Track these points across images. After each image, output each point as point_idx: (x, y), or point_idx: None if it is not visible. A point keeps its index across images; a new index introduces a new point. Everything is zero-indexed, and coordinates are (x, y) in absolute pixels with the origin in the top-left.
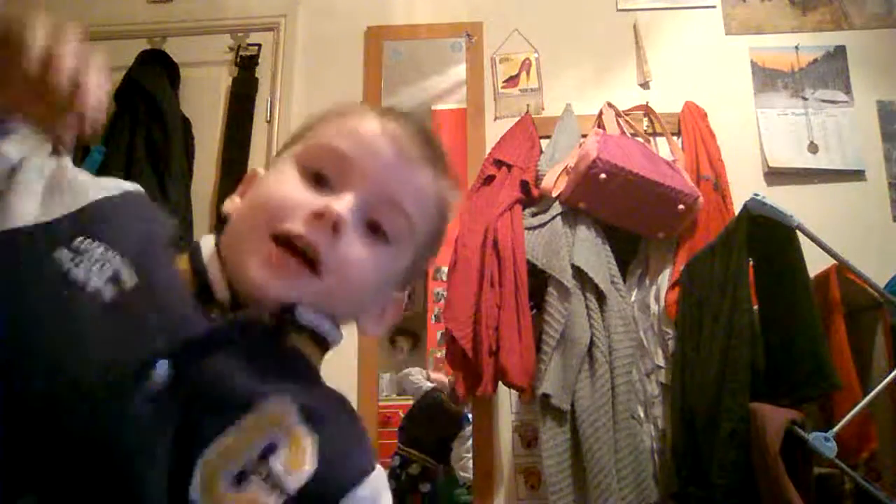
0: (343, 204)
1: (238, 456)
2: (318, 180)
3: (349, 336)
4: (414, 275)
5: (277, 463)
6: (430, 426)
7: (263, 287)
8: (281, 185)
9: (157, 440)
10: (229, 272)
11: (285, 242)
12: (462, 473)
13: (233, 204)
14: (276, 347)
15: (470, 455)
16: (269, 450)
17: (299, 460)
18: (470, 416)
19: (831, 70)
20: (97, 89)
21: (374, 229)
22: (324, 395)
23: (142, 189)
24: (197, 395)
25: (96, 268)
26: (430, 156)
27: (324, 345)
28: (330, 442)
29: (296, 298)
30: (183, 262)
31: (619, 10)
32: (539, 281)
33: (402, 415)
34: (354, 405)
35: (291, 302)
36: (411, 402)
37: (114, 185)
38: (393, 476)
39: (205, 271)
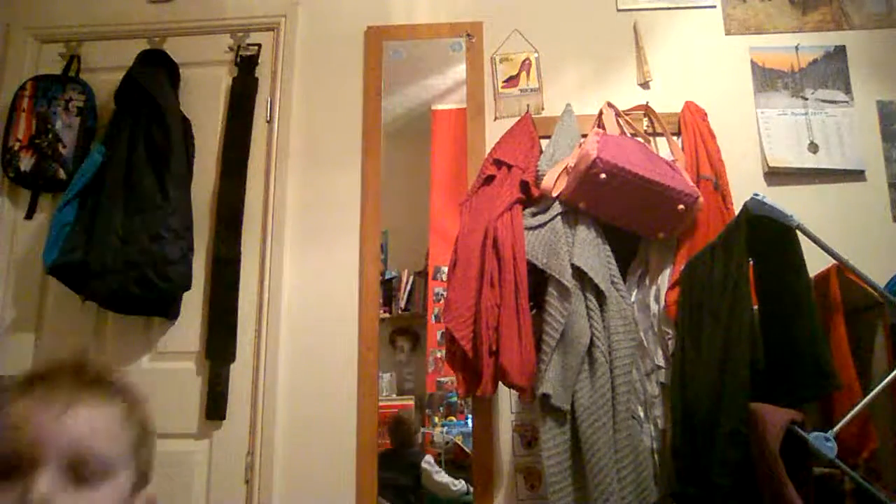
0: (41, 484)
1: None
2: (6, 477)
3: (349, 336)
4: (145, 472)
5: None
6: (397, 483)
7: None
8: None
9: None
10: None
11: None
12: (450, 490)
13: None
14: None
15: (443, 472)
16: None
17: None
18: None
19: (831, 70)
20: None
21: (81, 477)
22: None
23: None
24: None
25: None
26: (82, 393)
27: None
28: None
29: None
30: None
31: (619, 10)
32: (539, 281)
33: (412, 406)
34: (354, 405)
35: None
36: (412, 403)
37: None
38: None
39: None
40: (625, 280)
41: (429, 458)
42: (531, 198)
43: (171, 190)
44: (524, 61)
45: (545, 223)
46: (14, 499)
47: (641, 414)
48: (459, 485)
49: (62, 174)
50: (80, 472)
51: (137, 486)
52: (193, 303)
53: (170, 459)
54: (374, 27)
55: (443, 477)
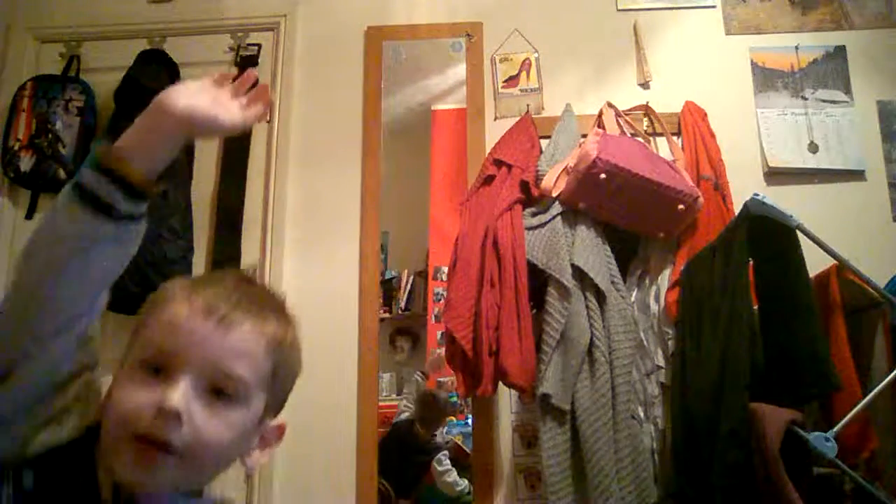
0: (176, 393)
1: None
2: (156, 372)
3: (349, 336)
4: (280, 401)
5: None
6: (402, 456)
7: (134, 483)
8: (128, 392)
9: None
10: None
11: (142, 439)
12: (454, 490)
13: (118, 373)
14: None
15: (454, 471)
16: None
17: None
18: (445, 442)
19: (831, 70)
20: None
21: (218, 395)
22: None
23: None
24: None
25: None
26: (244, 308)
27: None
28: None
29: (166, 483)
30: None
31: (619, 10)
32: (539, 281)
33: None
34: (354, 405)
35: (162, 487)
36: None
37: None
38: None
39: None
40: (625, 280)
41: (445, 454)
42: (531, 198)
43: (171, 190)
44: (524, 61)
45: (545, 223)
46: (153, 399)
47: (641, 414)
48: (463, 485)
49: (62, 174)
50: (219, 387)
51: (268, 414)
52: None
53: None
54: (374, 27)
55: (450, 477)
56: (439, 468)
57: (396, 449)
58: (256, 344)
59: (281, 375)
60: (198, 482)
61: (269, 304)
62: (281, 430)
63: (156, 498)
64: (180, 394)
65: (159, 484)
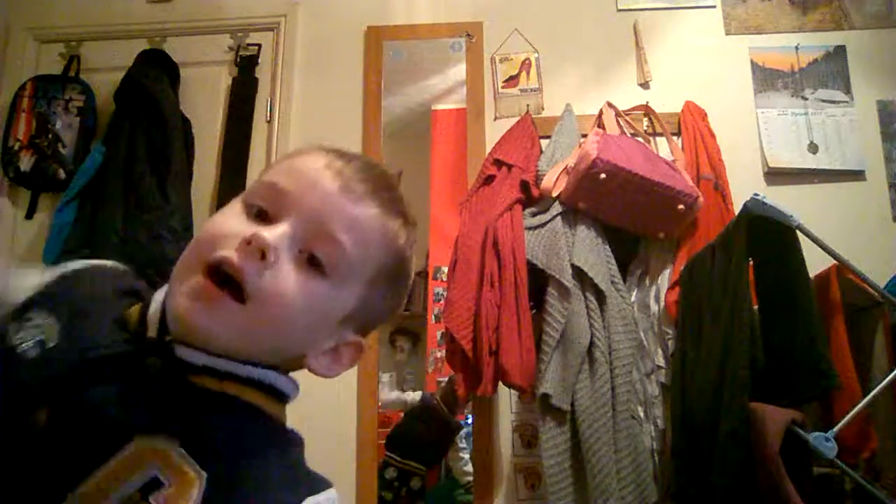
0: (274, 232)
1: (114, 489)
2: (259, 215)
3: None
4: (369, 316)
5: (159, 499)
6: (426, 433)
7: (183, 316)
8: (222, 219)
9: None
10: (167, 308)
11: (214, 272)
12: (462, 476)
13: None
14: (173, 383)
15: (468, 458)
16: (152, 486)
17: (184, 498)
18: (465, 421)
19: (831, 70)
20: None
21: (312, 262)
22: (244, 432)
23: (100, 262)
24: (74, 429)
25: (30, 334)
26: (378, 194)
27: (265, 389)
28: (237, 480)
29: (217, 328)
30: (135, 308)
31: (619, 10)
32: (539, 281)
33: (402, 415)
34: (354, 405)
35: (212, 335)
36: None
37: (74, 264)
38: (390, 489)
39: (145, 311)
40: (625, 280)
41: (468, 433)
42: (531, 198)
43: (171, 190)
44: (524, 61)
45: (545, 223)
46: (245, 231)
47: (641, 414)
48: (470, 476)
49: (62, 174)
50: (316, 254)
51: (353, 321)
52: None
53: None
54: (374, 27)
55: (467, 466)
56: (456, 453)
57: (418, 430)
58: (373, 228)
59: (382, 283)
60: (254, 349)
61: (402, 206)
62: (359, 348)
63: (201, 357)
64: (278, 233)
65: (212, 331)
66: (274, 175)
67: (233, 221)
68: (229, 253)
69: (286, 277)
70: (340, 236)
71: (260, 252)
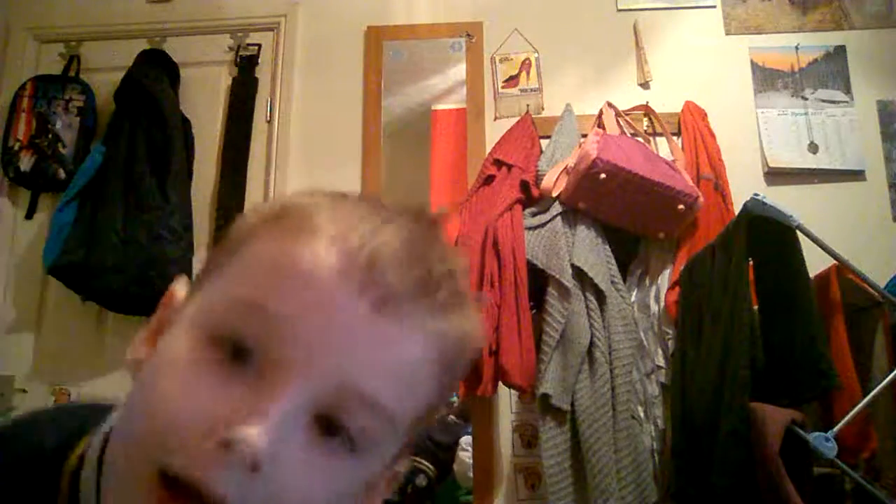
0: (263, 425)
1: None
2: (237, 354)
3: None
4: (417, 440)
5: None
6: (431, 434)
7: None
8: (174, 375)
9: None
10: None
11: (174, 485)
12: (465, 481)
13: (138, 351)
14: None
15: (469, 460)
16: None
17: None
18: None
19: (831, 70)
20: None
21: (332, 430)
22: None
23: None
24: None
25: None
26: (425, 286)
27: None
28: None
29: None
30: (65, 478)
31: (619, 10)
32: (539, 281)
33: None
34: None
35: None
36: None
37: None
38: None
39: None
40: (625, 280)
41: (468, 439)
42: (531, 198)
43: (171, 190)
44: (524, 61)
45: (545, 223)
46: (220, 412)
47: (641, 414)
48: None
49: (62, 174)
50: (338, 420)
51: (396, 460)
52: None
53: None
54: (374, 27)
55: (470, 472)
56: (461, 454)
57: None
58: (426, 356)
59: (436, 405)
60: None
61: (456, 282)
62: (395, 476)
63: None
64: (272, 424)
65: None
66: (252, 284)
67: (194, 384)
68: (194, 465)
69: (294, 479)
70: (379, 396)
71: (249, 460)
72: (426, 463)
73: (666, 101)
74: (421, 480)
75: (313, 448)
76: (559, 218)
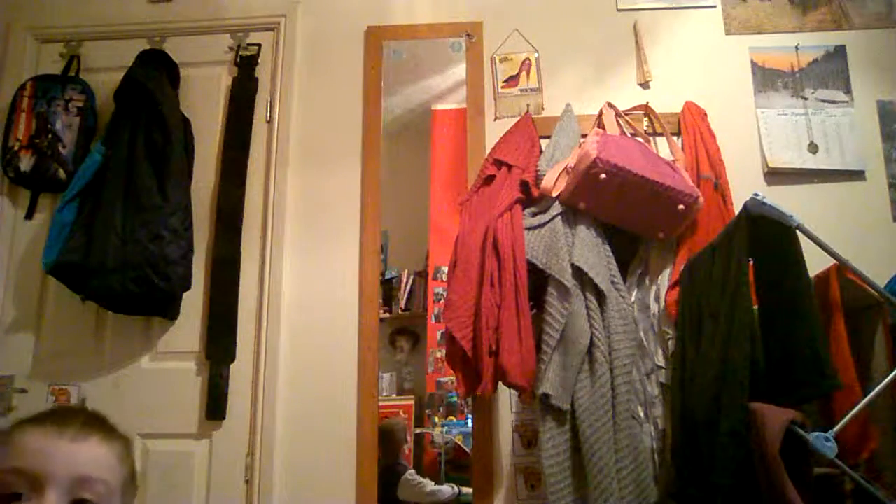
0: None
1: None
2: (16, 497)
3: (349, 336)
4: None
5: None
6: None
7: None
8: None
9: None
10: None
11: None
12: (440, 496)
13: None
14: None
15: (427, 485)
16: None
17: None
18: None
19: (831, 70)
20: None
21: (83, 501)
22: None
23: None
24: None
25: None
26: (90, 425)
27: None
28: None
29: None
30: None
31: (619, 10)
32: (539, 281)
33: (402, 414)
34: (354, 405)
35: None
36: (412, 404)
37: None
38: None
39: None
40: (625, 280)
41: (411, 472)
42: (531, 198)
43: (171, 190)
44: (524, 61)
45: (545, 223)
46: None
47: (641, 414)
48: (446, 490)
49: (62, 174)
50: (83, 495)
51: None
52: (193, 303)
53: (170, 459)
54: (374, 27)
55: (427, 487)
56: (413, 484)
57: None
58: (110, 452)
59: (130, 484)
60: None
61: (108, 425)
62: None
63: None
64: (54, 500)
65: None
66: (11, 462)
67: None
68: None
69: None
70: (98, 475)
71: None
72: None
73: (666, 101)
74: None
75: None
76: (559, 218)
